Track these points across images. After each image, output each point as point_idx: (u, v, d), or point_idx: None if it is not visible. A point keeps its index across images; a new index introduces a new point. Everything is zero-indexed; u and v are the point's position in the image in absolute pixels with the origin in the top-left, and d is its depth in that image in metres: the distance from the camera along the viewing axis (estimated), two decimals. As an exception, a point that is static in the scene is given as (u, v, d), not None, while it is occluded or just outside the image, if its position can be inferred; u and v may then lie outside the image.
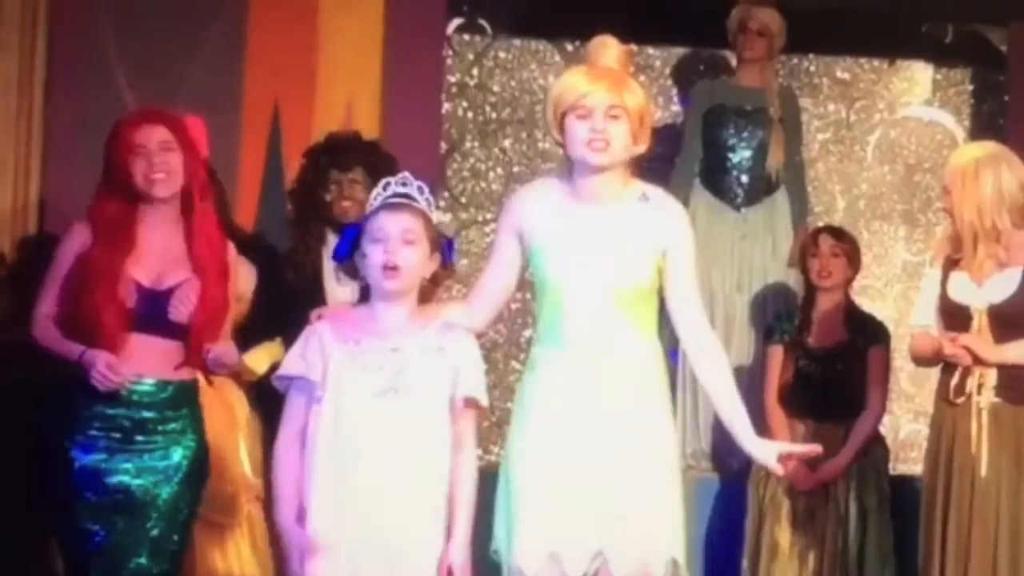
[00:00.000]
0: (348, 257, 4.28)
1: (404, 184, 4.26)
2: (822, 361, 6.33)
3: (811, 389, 6.31)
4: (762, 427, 6.19)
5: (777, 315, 6.56)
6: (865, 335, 6.36)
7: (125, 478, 4.67)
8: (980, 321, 5.14)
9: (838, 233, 6.57)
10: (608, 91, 4.30)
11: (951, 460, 5.14)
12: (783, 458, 4.34)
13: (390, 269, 4.18)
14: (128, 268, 4.68)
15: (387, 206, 4.22)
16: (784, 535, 6.21)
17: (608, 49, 4.40)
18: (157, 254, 4.73)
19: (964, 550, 5.06)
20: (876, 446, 6.34)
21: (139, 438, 4.68)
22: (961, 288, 5.19)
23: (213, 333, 4.74)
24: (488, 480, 4.32)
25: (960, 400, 5.12)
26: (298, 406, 4.23)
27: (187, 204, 4.77)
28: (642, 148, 4.38)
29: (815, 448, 4.44)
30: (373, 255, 4.19)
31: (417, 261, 4.22)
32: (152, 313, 4.68)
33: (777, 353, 6.41)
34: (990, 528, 5.07)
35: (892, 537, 6.25)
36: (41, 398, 4.82)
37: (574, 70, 4.44)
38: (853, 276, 6.53)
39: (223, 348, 4.77)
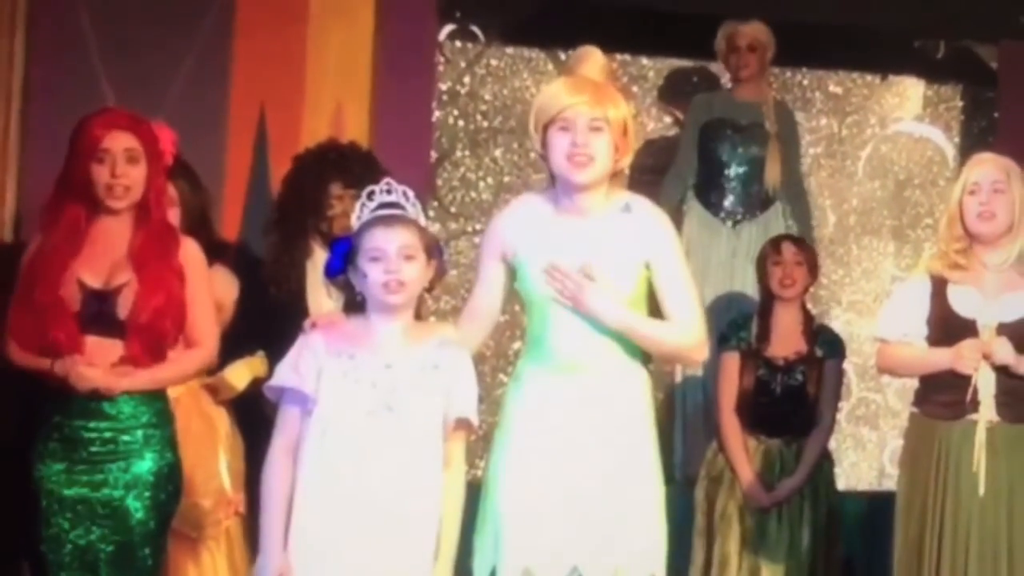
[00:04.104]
0: (341, 272, 4.20)
1: (389, 191, 4.17)
2: (781, 371, 6.24)
3: (769, 401, 6.22)
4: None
5: (732, 321, 6.43)
6: (824, 347, 6.29)
7: (85, 490, 4.58)
8: (988, 338, 5.04)
9: (799, 241, 6.53)
10: (590, 104, 4.25)
11: (945, 478, 5.05)
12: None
13: (394, 285, 4.09)
14: (74, 269, 4.58)
15: (380, 220, 4.13)
16: (735, 551, 6.14)
17: (591, 59, 4.35)
18: (107, 254, 4.63)
19: (963, 572, 4.99)
20: (824, 461, 6.27)
21: (98, 450, 4.58)
22: (966, 301, 5.09)
23: (163, 332, 4.61)
24: (474, 494, 4.27)
25: (973, 416, 5.03)
26: (292, 418, 4.12)
27: (143, 212, 4.66)
28: (626, 161, 4.32)
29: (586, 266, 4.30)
30: (373, 274, 4.10)
31: (418, 275, 4.15)
32: (99, 314, 4.57)
33: (733, 360, 6.27)
34: (988, 550, 4.99)
35: (843, 552, 6.22)
36: (9, 412, 4.74)
37: (556, 81, 4.40)
38: (811, 285, 6.46)
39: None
